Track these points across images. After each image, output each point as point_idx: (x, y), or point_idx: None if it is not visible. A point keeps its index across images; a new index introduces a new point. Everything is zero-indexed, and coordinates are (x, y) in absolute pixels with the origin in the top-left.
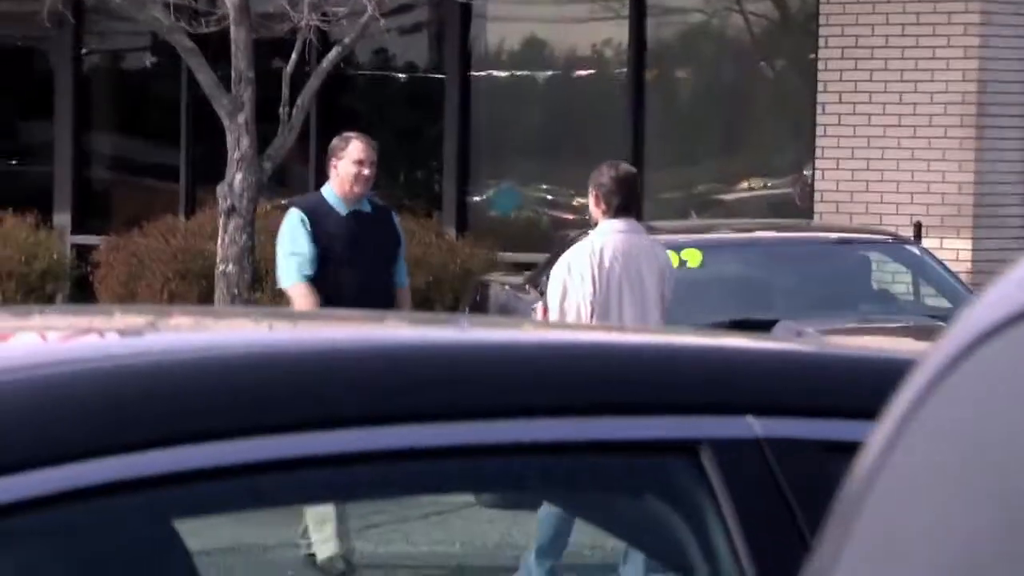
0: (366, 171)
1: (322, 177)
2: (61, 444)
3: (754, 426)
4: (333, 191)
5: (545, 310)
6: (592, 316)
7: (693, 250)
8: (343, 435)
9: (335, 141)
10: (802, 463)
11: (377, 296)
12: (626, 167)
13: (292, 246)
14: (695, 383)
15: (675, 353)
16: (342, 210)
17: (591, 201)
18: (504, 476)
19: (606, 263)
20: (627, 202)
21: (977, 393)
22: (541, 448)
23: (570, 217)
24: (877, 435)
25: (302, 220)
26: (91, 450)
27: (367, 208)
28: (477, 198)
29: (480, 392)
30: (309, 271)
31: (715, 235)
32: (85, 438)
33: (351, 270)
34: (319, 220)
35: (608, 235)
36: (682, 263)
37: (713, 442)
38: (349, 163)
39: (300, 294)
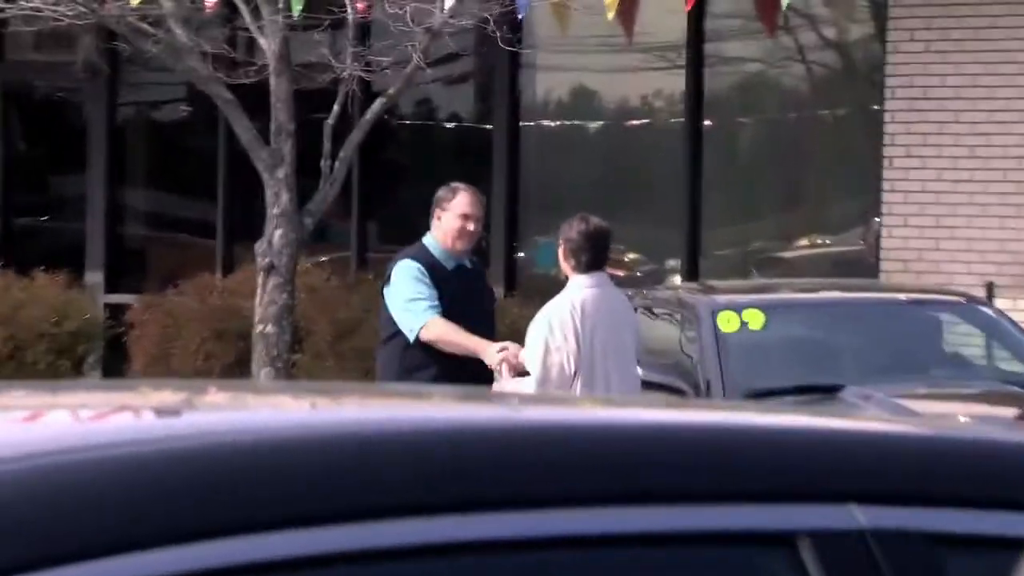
0: (471, 226)
1: (365, 233)
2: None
3: (857, 516)
4: (436, 243)
5: (512, 368)
6: (576, 375)
7: (755, 311)
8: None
9: (441, 191)
10: (910, 558)
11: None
12: (596, 222)
13: (413, 292)
14: (791, 467)
15: (768, 434)
16: (448, 264)
17: (560, 255)
18: (578, 572)
19: (588, 319)
20: (596, 257)
21: None
22: (618, 540)
23: (621, 274)
24: None
25: (420, 270)
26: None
27: (467, 264)
28: (526, 255)
29: (541, 481)
30: (436, 310)
31: (777, 295)
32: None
33: (464, 326)
34: (430, 272)
35: (583, 290)
36: (743, 325)
37: (813, 534)
38: (454, 216)
39: (440, 324)
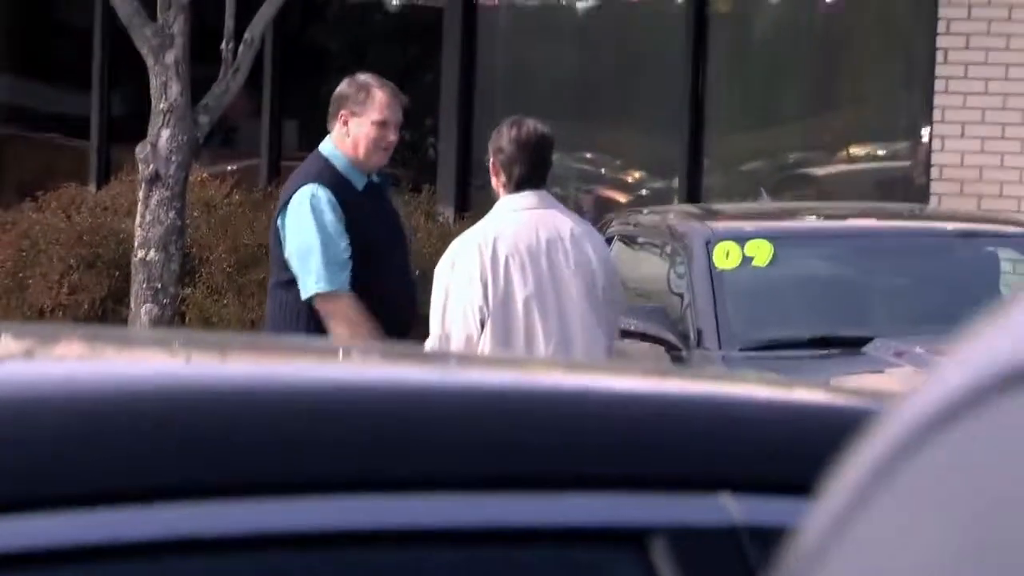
0: (391, 136)
1: (279, 136)
2: None
3: (730, 509)
4: (342, 156)
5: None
6: (483, 334)
7: (761, 241)
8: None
9: (347, 88)
10: None
11: (412, 300)
12: (533, 125)
13: (318, 238)
14: (645, 446)
15: (613, 403)
16: (358, 183)
17: (491, 171)
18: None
19: (505, 254)
20: (531, 172)
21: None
22: (421, 536)
23: (612, 195)
24: (827, 504)
25: (330, 202)
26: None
27: (375, 179)
28: (484, 167)
29: (331, 458)
30: (345, 275)
31: (793, 223)
32: None
33: (391, 266)
34: (342, 199)
35: (507, 216)
36: (745, 259)
37: (670, 531)
38: (368, 123)
39: (348, 306)
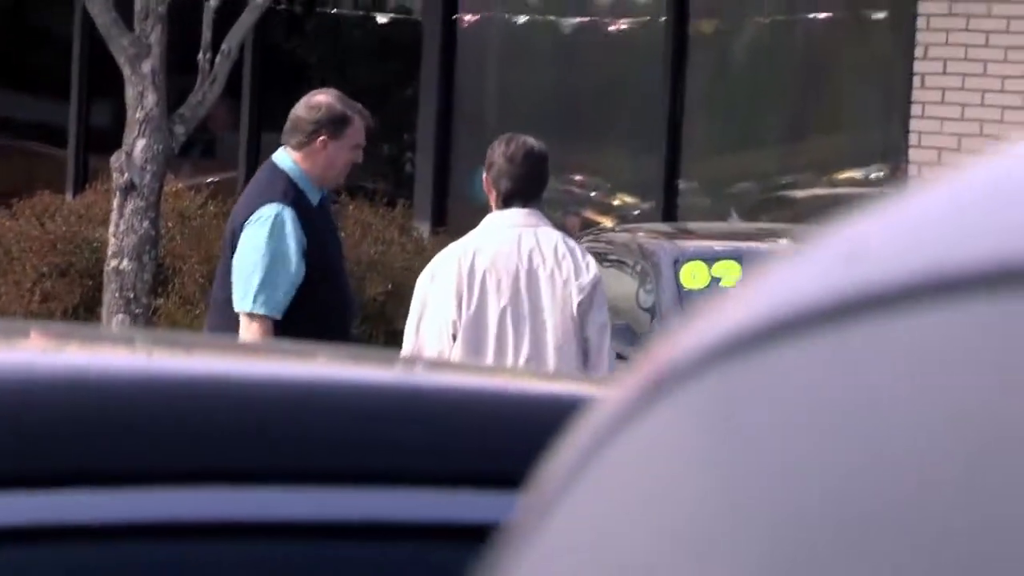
0: (360, 159)
1: (258, 148)
2: None
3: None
4: (303, 174)
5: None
6: (459, 353)
7: (730, 262)
8: None
9: (324, 111)
10: None
11: (355, 315)
12: (525, 141)
13: (274, 258)
14: (487, 442)
15: (452, 399)
16: (313, 199)
17: (485, 190)
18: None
19: (478, 272)
20: (520, 188)
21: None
22: (241, 529)
23: (591, 216)
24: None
25: (295, 225)
26: None
27: (323, 192)
28: (461, 183)
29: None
30: (278, 308)
31: (761, 244)
32: None
33: (342, 282)
34: (303, 219)
35: (491, 231)
36: (713, 280)
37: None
38: (349, 148)
39: (261, 331)
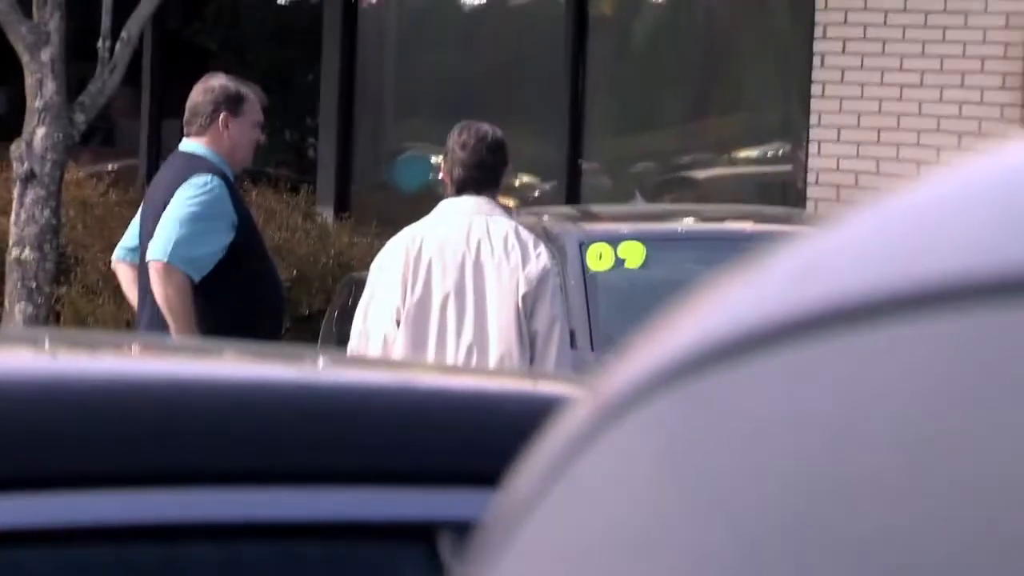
0: (262, 136)
1: (158, 135)
2: None
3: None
4: (217, 157)
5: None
6: (402, 338)
7: (634, 243)
8: None
9: (218, 92)
10: None
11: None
12: (479, 128)
13: (206, 221)
14: (437, 442)
15: (398, 396)
16: (230, 179)
17: (441, 175)
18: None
19: (424, 259)
20: (472, 176)
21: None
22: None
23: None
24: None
25: (227, 199)
26: None
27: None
28: (365, 168)
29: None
30: (202, 269)
31: (665, 224)
32: None
33: (270, 260)
34: (231, 195)
35: (441, 219)
36: (618, 261)
37: (459, 525)
38: (250, 126)
39: (179, 283)
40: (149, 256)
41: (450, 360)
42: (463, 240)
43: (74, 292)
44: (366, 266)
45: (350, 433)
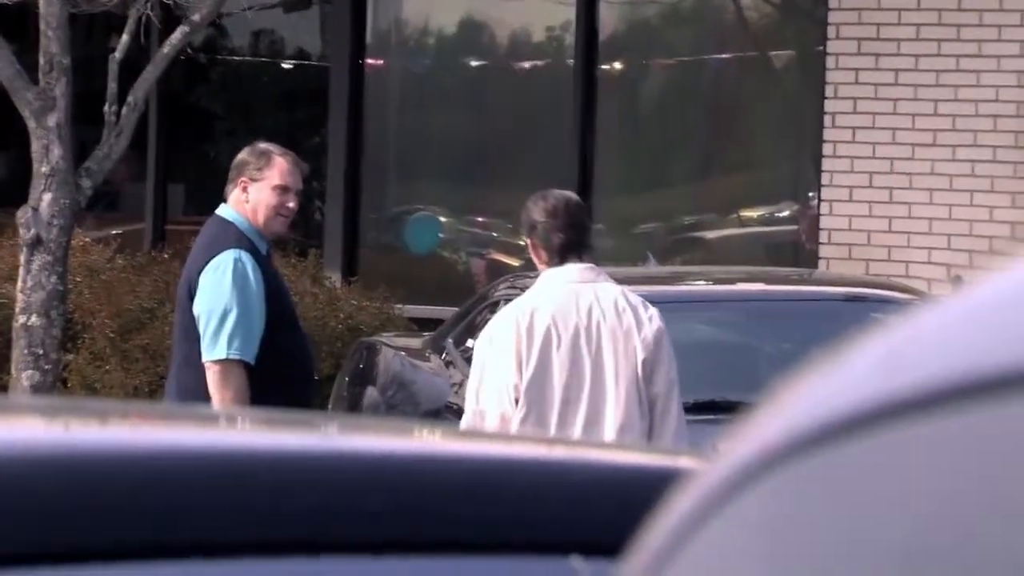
0: (291, 203)
1: (164, 199)
2: None
3: (580, 571)
4: (246, 222)
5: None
6: (522, 415)
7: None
8: None
9: (247, 155)
10: None
11: (316, 365)
12: (561, 194)
13: (244, 304)
14: (497, 509)
15: (468, 468)
16: (262, 249)
17: (530, 251)
18: None
19: (538, 332)
20: (570, 239)
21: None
22: None
23: (504, 259)
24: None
25: (255, 270)
26: None
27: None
28: (372, 231)
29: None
30: (251, 350)
31: (673, 287)
32: None
33: (301, 332)
34: (259, 265)
35: (548, 290)
36: None
37: None
38: (269, 190)
39: (243, 386)
40: (205, 358)
41: (571, 433)
42: (573, 309)
43: (81, 359)
44: (374, 330)
45: (467, 505)
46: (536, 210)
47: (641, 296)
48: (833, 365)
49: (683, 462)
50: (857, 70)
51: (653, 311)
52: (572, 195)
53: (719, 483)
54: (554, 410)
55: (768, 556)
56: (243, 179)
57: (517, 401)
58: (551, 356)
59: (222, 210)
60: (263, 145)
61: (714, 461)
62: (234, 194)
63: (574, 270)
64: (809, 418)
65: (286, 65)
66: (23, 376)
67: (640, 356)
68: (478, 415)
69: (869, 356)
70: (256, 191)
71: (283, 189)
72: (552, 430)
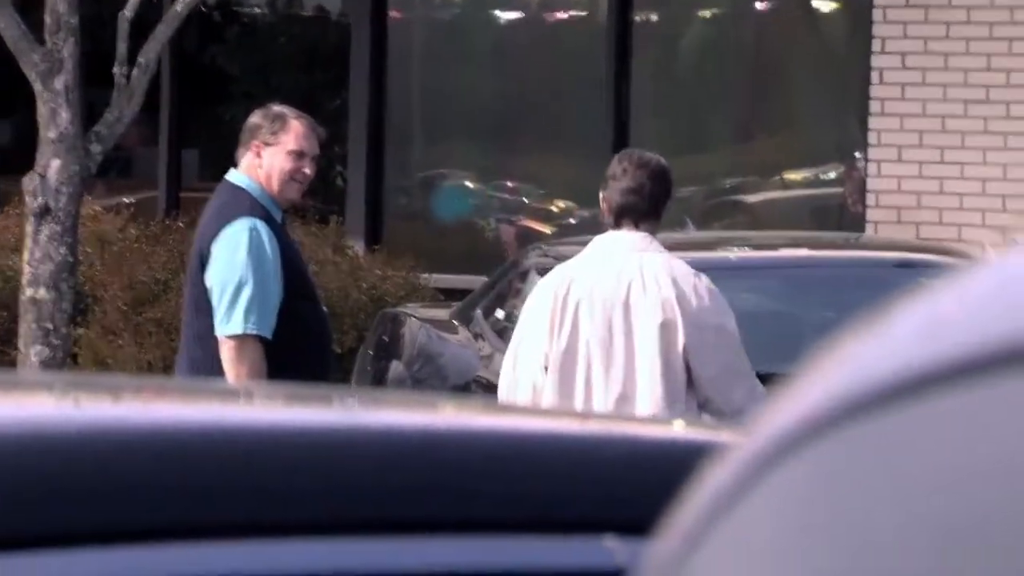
0: (308, 169)
1: (178, 165)
2: None
3: (615, 552)
4: (259, 188)
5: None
6: (551, 385)
7: None
8: None
9: (259, 119)
10: None
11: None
12: (642, 155)
13: (260, 275)
14: (524, 487)
15: (499, 445)
16: (276, 216)
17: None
18: None
19: (571, 303)
20: (632, 202)
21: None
22: None
23: (535, 225)
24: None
25: (270, 239)
26: None
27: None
28: (397, 197)
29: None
30: (269, 323)
31: (714, 253)
32: None
33: (318, 300)
34: (274, 233)
35: (592, 258)
36: None
37: (559, 575)
38: (283, 155)
39: (260, 359)
40: (219, 333)
41: (599, 407)
42: (614, 282)
43: (92, 333)
44: (399, 300)
45: (498, 482)
46: (611, 167)
47: (684, 261)
48: (873, 332)
49: (720, 436)
50: (905, 23)
51: (706, 288)
52: (655, 158)
53: (758, 454)
54: (580, 382)
55: (809, 527)
56: (256, 143)
57: (547, 370)
58: (583, 328)
59: (233, 176)
60: (277, 108)
61: (752, 432)
62: (246, 159)
63: (625, 238)
64: (851, 386)
65: (305, 22)
66: (32, 351)
67: (681, 337)
68: (512, 384)
69: (912, 322)
70: (270, 156)
71: (299, 154)
72: (577, 403)
